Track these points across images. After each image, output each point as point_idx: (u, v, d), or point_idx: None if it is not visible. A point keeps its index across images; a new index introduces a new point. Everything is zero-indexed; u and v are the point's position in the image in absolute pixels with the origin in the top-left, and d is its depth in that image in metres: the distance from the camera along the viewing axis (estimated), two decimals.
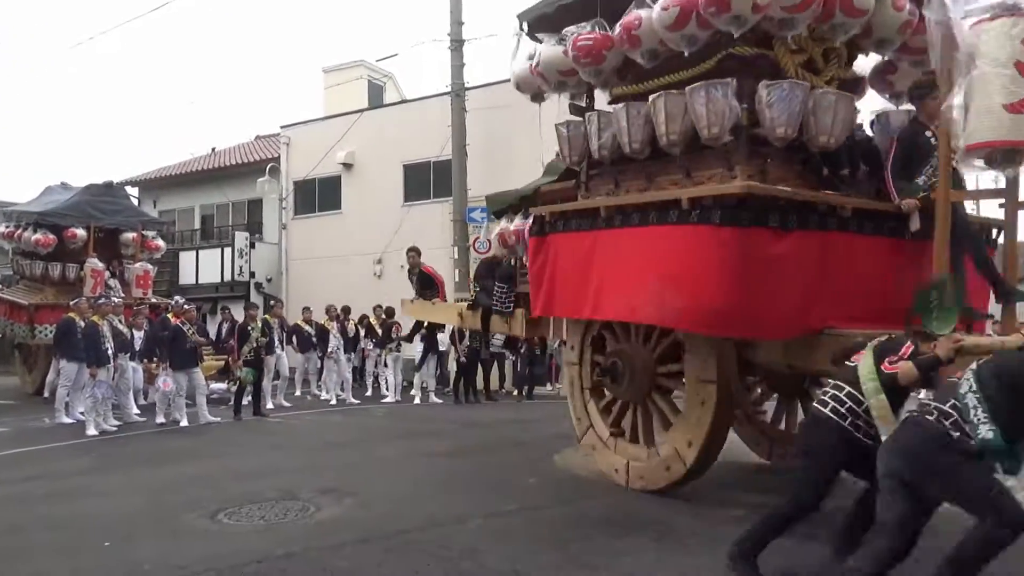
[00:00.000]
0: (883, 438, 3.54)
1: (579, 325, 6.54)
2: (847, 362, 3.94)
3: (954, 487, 3.24)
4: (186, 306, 11.34)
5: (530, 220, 6.56)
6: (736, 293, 4.76)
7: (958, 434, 3.21)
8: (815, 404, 3.99)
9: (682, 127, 5.25)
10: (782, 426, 6.94)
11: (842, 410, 3.72)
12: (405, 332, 13.27)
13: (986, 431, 3.13)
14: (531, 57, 6.33)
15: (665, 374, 5.81)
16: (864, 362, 3.77)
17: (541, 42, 6.22)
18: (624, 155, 5.79)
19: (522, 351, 15.56)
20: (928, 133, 5.05)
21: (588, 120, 6.04)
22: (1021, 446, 3.18)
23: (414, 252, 10.36)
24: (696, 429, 5.37)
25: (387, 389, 14.17)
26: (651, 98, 5.39)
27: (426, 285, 9.98)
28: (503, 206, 7.79)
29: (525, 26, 6.46)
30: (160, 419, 10.34)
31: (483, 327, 8.50)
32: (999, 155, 4.14)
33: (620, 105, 5.69)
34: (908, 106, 5.71)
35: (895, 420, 3.59)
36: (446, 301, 10.42)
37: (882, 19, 5.09)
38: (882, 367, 3.68)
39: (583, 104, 6.67)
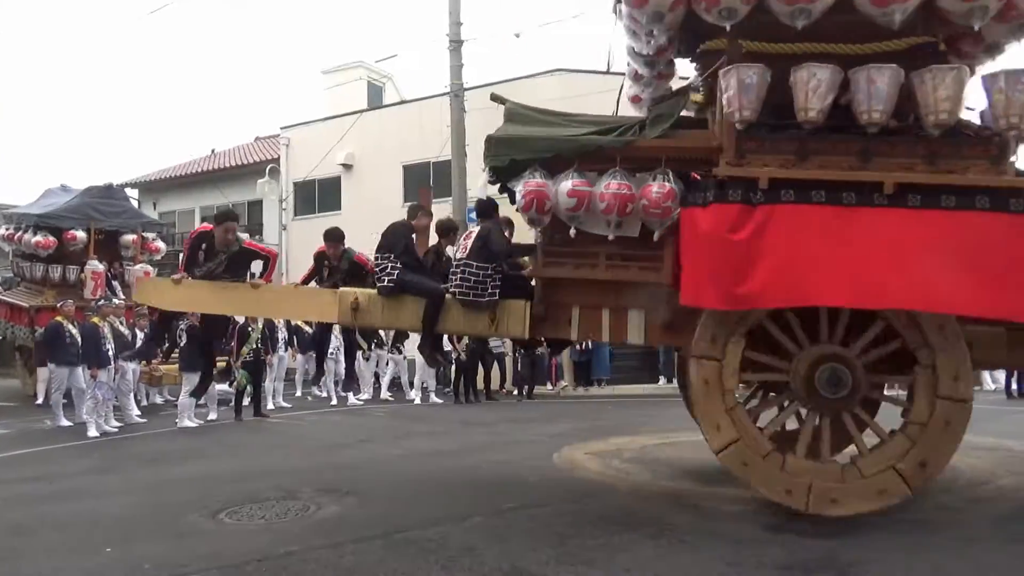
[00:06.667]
0: None
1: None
2: None
3: None
4: None
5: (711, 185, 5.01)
6: None
7: None
8: None
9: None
10: None
11: None
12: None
13: None
14: None
15: None
16: None
17: None
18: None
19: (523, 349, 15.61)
20: None
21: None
22: None
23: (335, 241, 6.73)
24: None
25: (387, 389, 14.25)
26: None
27: (355, 274, 6.67)
28: (533, 156, 5.73)
29: None
30: (187, 423, 10.38)
31: (427, 325, 5.86)
32: None
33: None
34: None
35: None
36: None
37: None
38: None
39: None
